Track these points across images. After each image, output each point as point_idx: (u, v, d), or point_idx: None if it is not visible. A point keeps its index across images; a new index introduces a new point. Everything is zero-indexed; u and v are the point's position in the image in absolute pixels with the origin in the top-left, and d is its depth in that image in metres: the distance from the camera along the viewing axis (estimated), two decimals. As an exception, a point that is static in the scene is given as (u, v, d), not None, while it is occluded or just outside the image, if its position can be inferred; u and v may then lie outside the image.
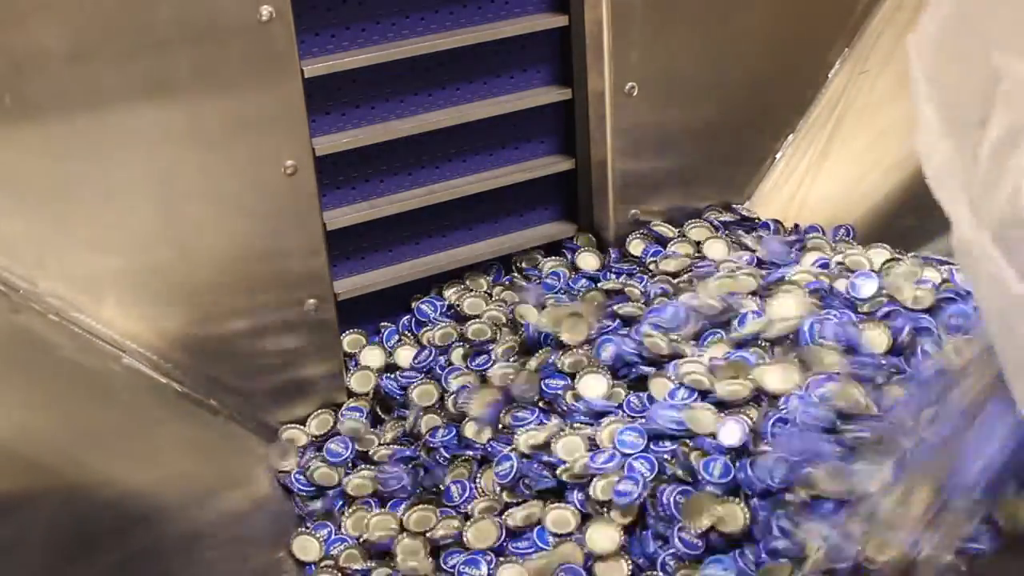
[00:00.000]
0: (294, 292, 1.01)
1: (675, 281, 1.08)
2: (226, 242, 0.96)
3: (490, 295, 1.12)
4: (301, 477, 0.99)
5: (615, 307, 1.03)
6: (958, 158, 0.54)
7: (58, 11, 0.83)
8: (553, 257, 1.16)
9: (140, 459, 0.92)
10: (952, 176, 0.54)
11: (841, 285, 1.01)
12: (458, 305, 1.10)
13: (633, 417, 0.92)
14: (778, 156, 1.24)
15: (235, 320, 0.99)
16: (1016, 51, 0.56)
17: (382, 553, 0.92)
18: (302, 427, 1.04)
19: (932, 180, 0.55)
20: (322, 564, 0.93)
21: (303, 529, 0.96)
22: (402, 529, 0.92)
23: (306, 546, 0.94)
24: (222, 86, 0.91)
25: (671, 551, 0.83)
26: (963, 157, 0.55)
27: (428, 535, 0.91)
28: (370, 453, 1.00)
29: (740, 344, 0.96)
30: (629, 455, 0.87)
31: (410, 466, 0.97)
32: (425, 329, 1.10)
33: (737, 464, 0.84)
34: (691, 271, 1.09)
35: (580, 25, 1.08)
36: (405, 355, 1.08)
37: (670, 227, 1.18)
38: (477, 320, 1.08)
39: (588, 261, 1.15)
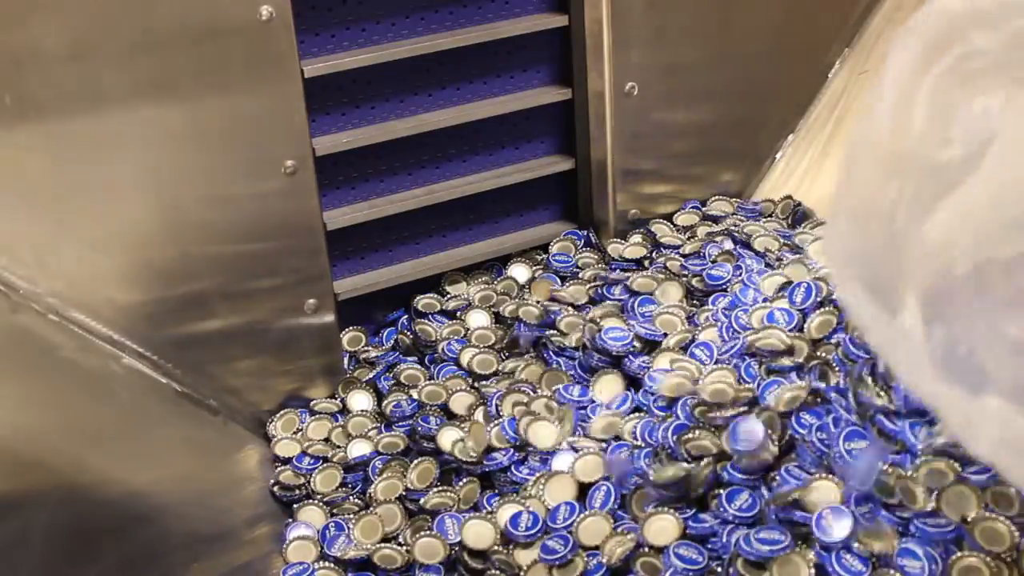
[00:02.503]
0: (294, 292, 1.01)
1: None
2: (226, 242, 0.96)
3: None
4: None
5: None
6: (892, 330, 0.57)
7: (58, 11, 0.83)
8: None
9: (140, 459, 0.92)
10: (900, 349, 0.57)
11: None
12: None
13: None
14: (778, 156, 1.24)
15: (235, 320, 0.99)
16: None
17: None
18: (300, 423, 1.05)
19: (889, 360, 0.59)
20: (321, 563, 0.93)
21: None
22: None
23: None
24: (222, 86, 0.91)
25: None
26: (895, 328, 0.58)
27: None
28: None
29: None
30: None
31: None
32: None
33: None
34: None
35: (580, 25, 1.08)
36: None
37: (670, 226, 1.18)
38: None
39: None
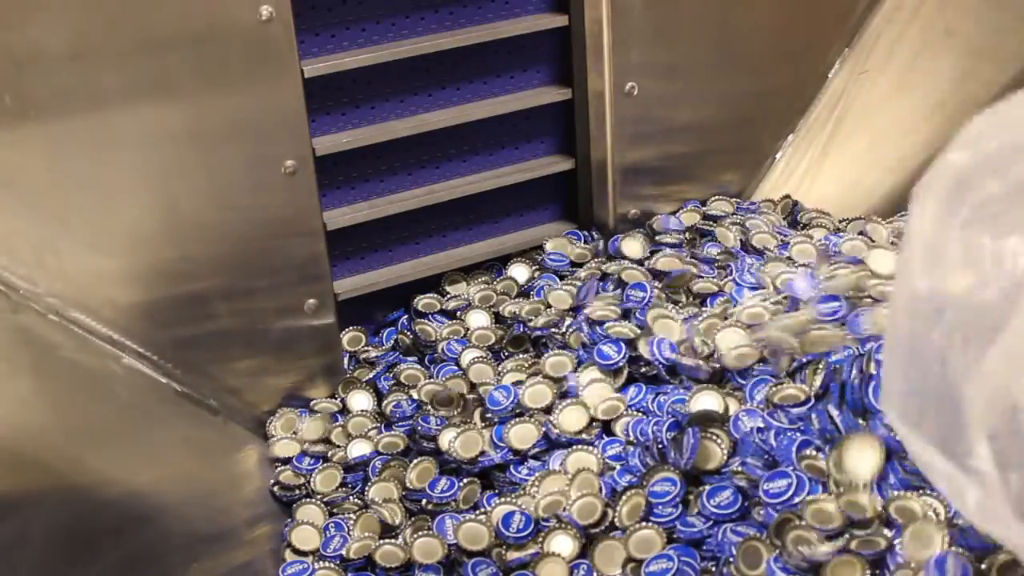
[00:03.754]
0: (294, 292, 1.01)
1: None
2: (226, 242, 0.96)
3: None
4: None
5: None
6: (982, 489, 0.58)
7: (58, 11, 0.83)
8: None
9: (140, 459, 0.92)
10: (973, 494, 0.58)
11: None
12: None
13: None
14: (778, 156, 1.24)
15: (235, 320, 0.99)
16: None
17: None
18: (300, 423, 1.05)
19: (958, 503, 0.59)
20: (321, 563, 0.93)
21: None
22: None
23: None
24: (222, 86, 0.91)
25: None
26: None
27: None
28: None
29: None
30: None
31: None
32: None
33: None
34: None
35: (580, 25, 1.08)
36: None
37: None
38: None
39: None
